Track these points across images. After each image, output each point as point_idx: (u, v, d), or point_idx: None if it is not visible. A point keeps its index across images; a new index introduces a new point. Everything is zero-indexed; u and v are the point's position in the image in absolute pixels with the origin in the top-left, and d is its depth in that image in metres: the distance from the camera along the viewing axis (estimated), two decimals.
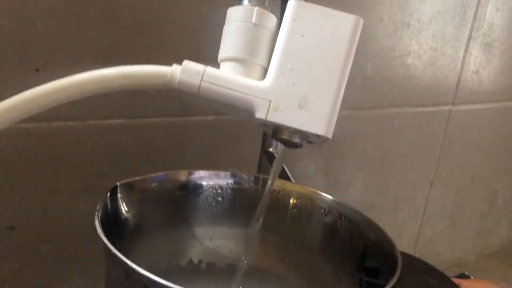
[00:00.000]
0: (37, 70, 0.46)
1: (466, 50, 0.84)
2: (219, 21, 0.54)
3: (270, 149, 0.51)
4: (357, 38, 0.31)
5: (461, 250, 1.08)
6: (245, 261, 0.41)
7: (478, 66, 0.88)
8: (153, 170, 0.56)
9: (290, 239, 0.48)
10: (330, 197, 0.47)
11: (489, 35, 0.87)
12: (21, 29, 0.44)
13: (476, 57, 0.87)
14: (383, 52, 0.72)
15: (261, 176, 0.49)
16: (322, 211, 0.47)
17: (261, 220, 0.39)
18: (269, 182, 0.38)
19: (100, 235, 0.31)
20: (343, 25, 0.31)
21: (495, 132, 0.99)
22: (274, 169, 0.38)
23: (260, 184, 0.49)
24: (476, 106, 0.92)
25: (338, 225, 0.46)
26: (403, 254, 0.38)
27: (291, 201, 0.48)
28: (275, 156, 0.51)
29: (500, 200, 1.10)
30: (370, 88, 0.73)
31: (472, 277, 0.54)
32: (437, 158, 0.91)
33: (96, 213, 0.35)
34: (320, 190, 0.47)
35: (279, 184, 0.48)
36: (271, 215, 0.40)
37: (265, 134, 0.57)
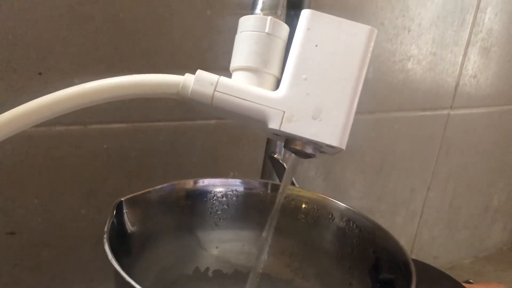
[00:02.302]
0: (40, 74, 0.45)
1: (464, 55, 0.84)
2: (224, 27, 0.54)
3: (276, 155, 0.51)
4: (371, 49, 0.31)
5: (456, 253, 1.09)
6: (258, 271, 0.41)
7: (476, 71, 0.88)
8: (155, 175, 0.56)
9: (297, 244, 0.48)
10: (338, 202, 0.47)
11: (488, 40, 0.87)
12: (25, 33, 0.43)
13: (474, 62, 0.87)
14: (384, 57, 0.72)
15: (269, 182, 0.49)
16: (330, 216, 0.47)
17: (272, 231, 0.38)
18: (280, 193, 0.37)
19: (111, 261, 0.30)
20: (357, 35, 0.31)
21: (491, 136, 1.00)
22: (285, 181, 0.38)
23: (269, 190, 0.49)
24: (473, 110, 0.92)
25: (347, 230, 0.46)
26: (415, 262, 0.38)
27: (299, 206, 0.48)
28: (279, 162, 0.51)
29: (495, 203, 1.11)
30: (371, 92, 0.74)
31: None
32: (434, 162, 0.91)
33: (105, 236, 0.33)
34: (320, 194, 0.48)
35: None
36: (278, 221, 0.40)
37: (269, 139, 0.56)
